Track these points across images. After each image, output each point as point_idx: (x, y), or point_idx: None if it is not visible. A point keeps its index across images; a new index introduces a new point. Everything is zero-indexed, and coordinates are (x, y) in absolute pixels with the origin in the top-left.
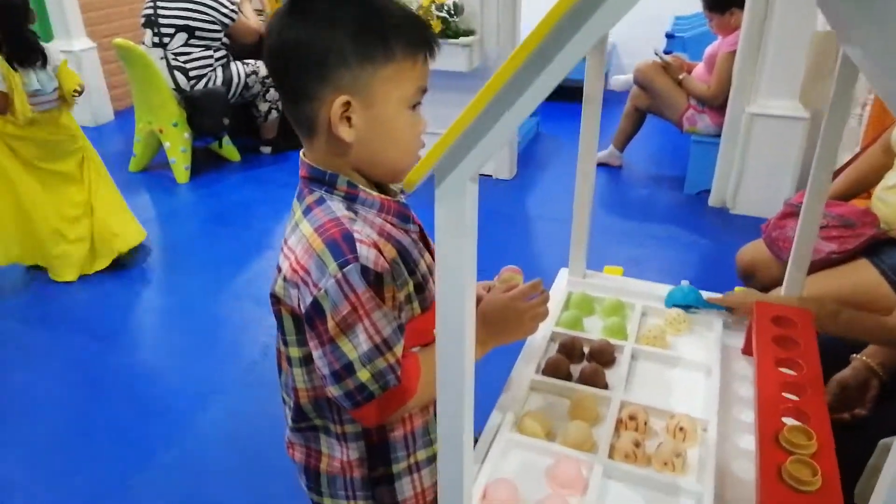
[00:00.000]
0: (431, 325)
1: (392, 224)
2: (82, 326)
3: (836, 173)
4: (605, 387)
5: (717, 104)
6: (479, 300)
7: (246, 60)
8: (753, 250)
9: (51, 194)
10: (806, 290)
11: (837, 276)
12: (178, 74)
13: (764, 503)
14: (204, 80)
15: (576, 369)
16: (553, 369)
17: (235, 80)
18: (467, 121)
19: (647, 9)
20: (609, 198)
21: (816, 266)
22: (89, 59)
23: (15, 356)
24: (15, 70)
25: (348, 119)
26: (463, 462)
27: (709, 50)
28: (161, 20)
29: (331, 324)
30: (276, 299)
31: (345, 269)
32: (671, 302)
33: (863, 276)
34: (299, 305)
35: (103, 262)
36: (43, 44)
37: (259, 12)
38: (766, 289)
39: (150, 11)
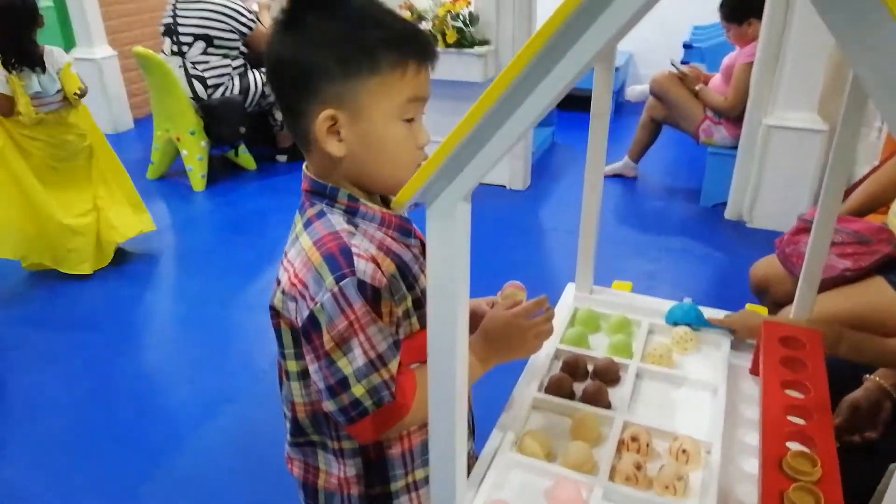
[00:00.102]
0: None
1: (393, 238)
2: (93, 331)
3: (854, 187)
4: (608, 406)
5: (733, 116)
6: (482, 316)
7: (263, 69)
8: (767, 265)
9: (63, 191)
10: (819, 308)
11: (851, 293)
12: (196, 83)
13: None
14: (221, 89)
15: (579, 388)
16: (556, 387)
17: (253, 88)
18: (457, 140)
19: (664, 18)
20: (624, 209)
21: (830, 283)
22: (110, 66)
23: (24, 360)
24: (10, 72)
25: (337, 133)
26: (455, 485)
27: (726, 61)
28: (180, 29)
29: (326, 338)
30: (274, 312)
31: (341, 283)
32: (671, 319)
33: (877, 294)
34: (297, 319)
35: (108, 257)
36: (47, 47)
37: None
38: (779, 304)
39: (170, 20)
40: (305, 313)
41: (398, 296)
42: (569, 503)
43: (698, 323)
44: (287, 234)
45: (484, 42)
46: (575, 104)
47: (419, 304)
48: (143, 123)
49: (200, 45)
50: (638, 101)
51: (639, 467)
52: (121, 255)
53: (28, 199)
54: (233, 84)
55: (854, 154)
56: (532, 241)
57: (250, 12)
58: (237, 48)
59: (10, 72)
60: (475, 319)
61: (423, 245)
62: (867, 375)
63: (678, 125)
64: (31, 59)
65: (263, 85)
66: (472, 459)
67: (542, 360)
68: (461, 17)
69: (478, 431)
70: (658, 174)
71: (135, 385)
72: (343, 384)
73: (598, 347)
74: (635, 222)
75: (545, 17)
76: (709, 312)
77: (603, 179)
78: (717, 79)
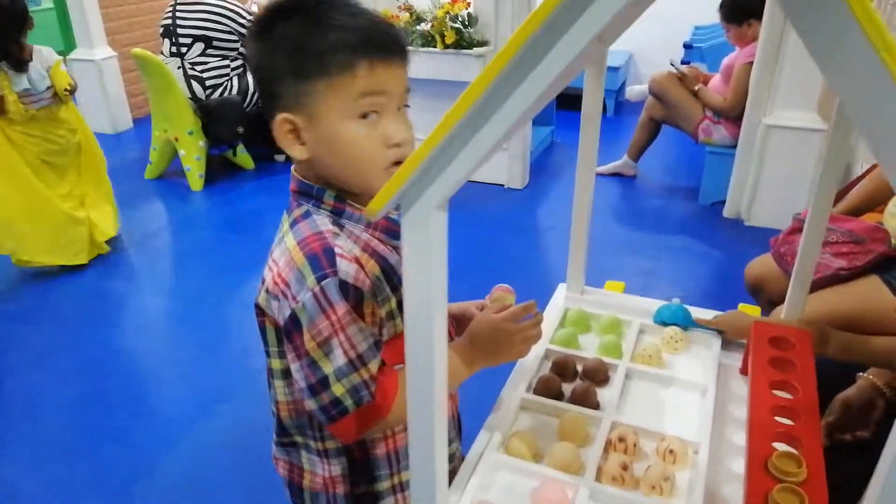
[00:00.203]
0: None
1: (379, 240)
2: (88, 329)
3: (851, 185)
4: (597, 407)
5: (733, 116)
6: (471, 319)
7: None
8: (762, 265)
9: (59, 184)
10: (813, 307)
11: (846, 293)
12: (194, 84)
13: None
14: (220, 90)
15: (568, 388)
16: (544, 388)
17: (251, 89)
18: (431, 146)
19: (665, 18)
20: (623, 208)
21: (825, 283)
22: (110, 67)
23: (18, 359)
24: None
25: (299, 137)
26: (436, 488)
27: (725, 61)
28: (179, 30)
29: (307, 337)
30: (259, 310)
31: (323, 283)
32: (659, 319)
33: (872, 293)
34: (279, 317)
35: (94, 253)
36: (36, 46)
37: None
38: (774, 303)
39: (169, 21)
40: (287, 312)
41: (381, 297)
42: None
43: (686, 323)
44: None
45: (483, 43)
46: (575, 104)
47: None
48: (143, 123)
49: (199, 46)
50: (637, 100)
51: (625, 468)
52: (118, 253)
53: (25, 193)
54: (231, 85)
55: (847, 154)
56: (530, 241)
57: (249, 13)
58: (236, 49)
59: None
60: (464, 323)
61: None
62: (860, 374)
63: (677, 125)
64: (18, 60)
65: None
66: (459, 460)
67: (532, 361)
68: (460, 18)
69: (466, 432)
70: (657, 173)
71: (130, 384)
72: (323, 383)
73: (589, 348)
74: (634, 221)
75: None
76: (698, 313)
77: (594, 180)
78: (716, 79)
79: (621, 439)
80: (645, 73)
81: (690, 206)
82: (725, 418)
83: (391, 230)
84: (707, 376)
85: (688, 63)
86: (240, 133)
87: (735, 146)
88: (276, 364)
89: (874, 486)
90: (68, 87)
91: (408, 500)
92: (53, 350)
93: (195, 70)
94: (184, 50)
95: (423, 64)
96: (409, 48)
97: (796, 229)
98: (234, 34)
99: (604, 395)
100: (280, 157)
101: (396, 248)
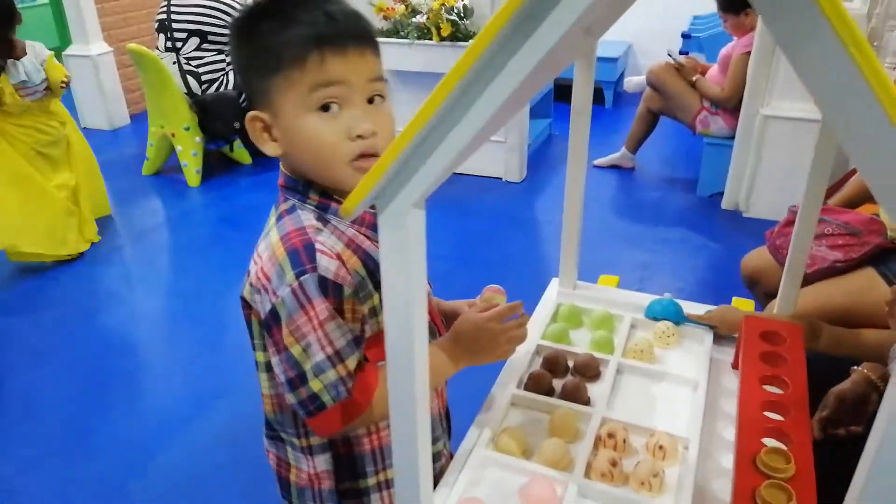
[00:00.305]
0: None
1: (366, 236)
2: (86, 327)
3: (847, 177)
4: (587, 402)
5: (730, 106)
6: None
7: None
8: (758, 257)
9: (52, 177)
10: (809, 300)
11: (842, 285)
12: (190, 79)
13: None
14: (216, 85)
15: (559, 384)
16: (535, 384)
17: None
18: (406, 141)
19: (664, 8)
20: (620, 200)
21: (820, 275)
22: (106, 63)
23: (16, 357)
24: None
25: (270, 134)
26: (420, 486)
27: (723, 51)
28: (174, 25)
29: (285, 332)
30: (245, 303)
31: (301, 279)
32: (651, 314)
33: (868, 285)
34: (261, 311)
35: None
36: (28, 41)
37: None
38: (770, 296)
39: (164, 16)
40: (268, 307)
41: (363, 293)
42: (543, 500)
43: (677, 318)
44: None
45: None
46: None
47: None
48: (140, 119)
49: (195, 40)
50: (636, 91)
51: (614, 464)
52: (115, 249)
53: (22, 185)
54: (227, 79)
55: (838, 145)
56: (527, 234)
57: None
58: None
59: None
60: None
61: None
62: (854, 367)
63: (675, 116)
64: (9, 55)
65: None
66: (448, 458)
67: (523, 357)
68: (455, 10)
69: (456, 429)
70: (655, 165)
71: (127, 380)
72: (301, 378)
73: (580, 343)
74: (632, 213)
75: None
76: (691, 307)
77: (586, 175)
78: (714, 69)
79: (611, 435)
80: (644, 63)
81: (689, 197)
82: (717, 413)
83: (377, 225)
84: (699, 371)
85: (686, 53)
86: (236, 128)
87: (733, 137)
88: (260, 357)
89: (857, 480)
90: (66, 80)
91: (393, 497)
92: (50, 347)
93: (191, 65)
94: (179, 45)
95: (418, 56)
96: (380, 38)
97: (792, 221)
98: (228, 28)
99: (594, 390)
100: None
101: None
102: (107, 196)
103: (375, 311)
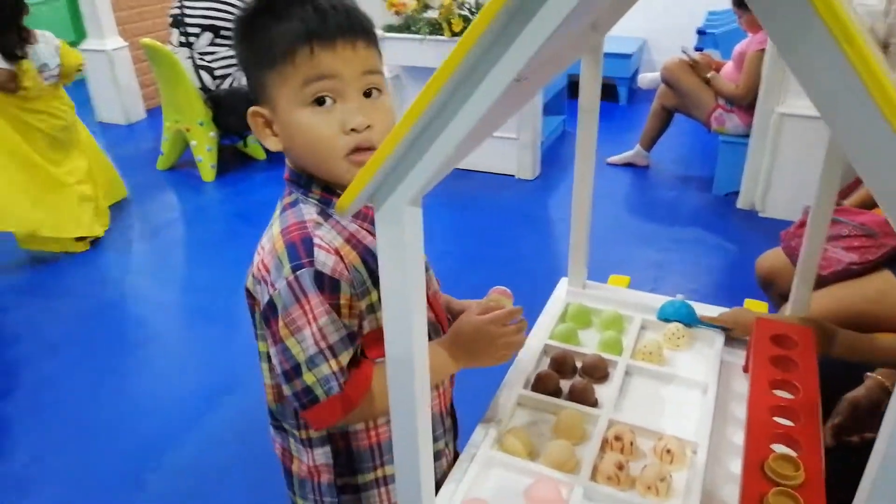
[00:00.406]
0: None
1: (368, 231)
2: (99, 321)
3: None
4: (595, 404)
5: (745, 103)
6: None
7: None
8: (773, 258)
9: (64, 163)
10: (823, 303)
11: (857, 287)
12: (203, 74)
13: None
14: (229, 79)
15: (566, 385)
16: (542, 384)
17: None
18: (400, 136)
19: (679, 4)
20: (635, 199)
21: (835, 277)
22: (121, 57)
23: (30, 350)
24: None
25: (271, 129)
26: (421, 485)
27: (738, 48)
28: (188, 20)
29: (281, 324)
30: (248, 294)
31: (297, 273)
32: (663, 316)
33: (884, 288)
34: (261, 302)
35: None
36: (38, 31)
37: None
38: (785, 297)
39: (177, 11)
40: (266, 298)
41: (361, 289)
42: (548, 502)
43: (689, 320)
44: None
45: None
46: None
47: None
48: (156, 114)
49: (208, 35)
50: (650, 88)
51: (620, 467)
52: (130, 243)
53: (36, 170)
54: (240, 74)
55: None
56: (540, 232)
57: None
58: None
59: (13, 62)
60: None
61: None
62: (868, 374)
63: (690, 113)
64: (27, 41)
65: None
66: (454, 457)
67: (530, 357)
68: (467, 5)
69: (463, 428)
70: (670, 163)
71: (140, 373)
72: (296, 370)
73: (589, 343)
74: (646, 212)
75: None
76: (703, 309)
77: (594, 173)
78: (729, 66)
79: (618, 438)
80: (658, 59)
81: (704, 196)
82: (726, 417)
83: None
84: (709, 374)
85: (701, 50)
86: None
87: (748, 135)
88: (263, 347)
89: (865, 484)
90: (83, 64)
91: (391, 494)
92: (63, 340)
93: (204, 60)
94: (192, 40)
95: (430, 52)
96: (391, 33)
97: (806, 222)
98: None
99: (602, 392)
100: None
101: None
102: (120, 179)
103: (374, 308)
